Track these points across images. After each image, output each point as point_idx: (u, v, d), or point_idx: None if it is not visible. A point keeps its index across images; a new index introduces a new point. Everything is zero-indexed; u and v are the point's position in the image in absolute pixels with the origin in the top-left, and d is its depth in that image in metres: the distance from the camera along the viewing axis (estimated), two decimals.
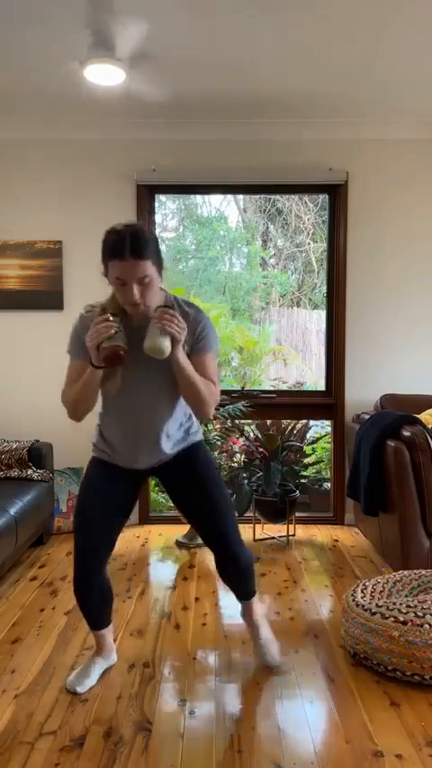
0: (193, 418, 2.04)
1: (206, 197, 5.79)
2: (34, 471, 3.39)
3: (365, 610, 2.12)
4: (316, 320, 5.52)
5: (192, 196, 5.63)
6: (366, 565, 3.16)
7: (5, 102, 3.41)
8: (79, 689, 1.98)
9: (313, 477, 4.26)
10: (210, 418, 1.98)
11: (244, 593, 2.13)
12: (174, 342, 1.71)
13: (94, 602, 2.00)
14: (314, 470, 4.27)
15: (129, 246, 1.67)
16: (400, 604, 2.09)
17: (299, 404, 3.94)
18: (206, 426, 3.50)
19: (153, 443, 1.92)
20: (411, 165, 3.76)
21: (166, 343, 1.69)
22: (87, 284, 3.80)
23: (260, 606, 2.25)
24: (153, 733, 1.77)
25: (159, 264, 1.78)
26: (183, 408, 1.96)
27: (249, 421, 3.79)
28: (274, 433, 3.54)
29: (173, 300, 1.89)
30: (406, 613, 2.03)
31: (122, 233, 1.69)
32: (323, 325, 4.06)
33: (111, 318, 1.71)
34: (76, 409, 1.88)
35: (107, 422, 1.98)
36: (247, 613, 2.17)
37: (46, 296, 3.77)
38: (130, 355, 1.73)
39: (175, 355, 1.73)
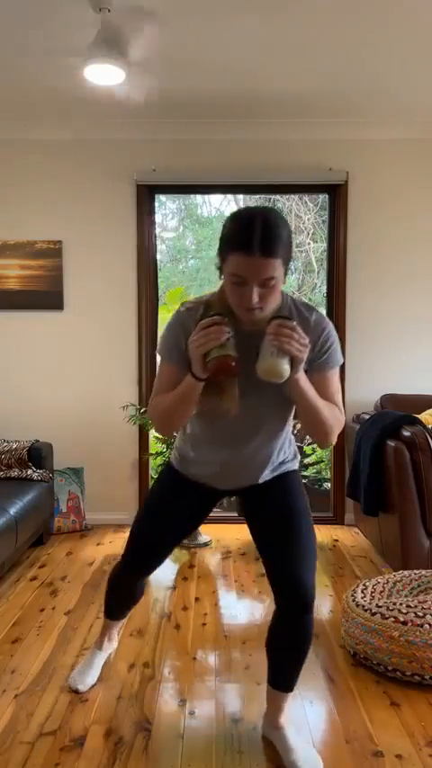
0: (293, 445, 1.76)
1: (206, 197, 5.79)
2: (34, 471, 3.39)
3: (365, 610, 2.12)
4: None
5: (192, 196, 5.62)
6: (366, 565, 3.16)
7: (6, 102, 3.41)
8: (81, 687, 1.97)
9: (313, 477, 4.26)
10: (331, 446, 1.64)
11: (290, 676, 1.66)
12: (294, 362, 1.39)
13: (125, 599, 1.97)
14: (314, 470, 4.27)
15: (258, 240, 1.33)
16: (400, 604, 2.09)
17: None
18: None
19: (250, 468, 1.65)
20: (411, 165, 3.76)
21: (285, 366, 1.37)
22: (87, 284, 3.80)
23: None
24: (153, 733, 1.77)
25: (288, 262, 1.44)
26: (287, 432, 1.69)
27: None
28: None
29: (290, 304, 1.57)
30: (406, 613, 2.03)
31: (253, 220, 1.36)
32: None
33: (218, 320, 1.39)
34: (169, 424, 1.57)
35: (199, 437, 1.67)
36: (275, 712, 1.70)
37: (46, 296, 3.77)
38: (239, 359, 1.40)
39: (295, 378, 1.42)
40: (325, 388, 1.57)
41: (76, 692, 1.97)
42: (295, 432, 2.07)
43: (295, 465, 1.75)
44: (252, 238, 1.33)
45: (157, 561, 1.83)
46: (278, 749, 1.66)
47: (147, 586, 2.80)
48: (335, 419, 1.54)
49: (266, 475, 1.68)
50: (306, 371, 1.49)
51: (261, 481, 1.68)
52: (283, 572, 1.58)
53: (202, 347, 1.37)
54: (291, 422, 1.68)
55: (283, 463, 1.71)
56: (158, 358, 1.64)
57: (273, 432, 1.63)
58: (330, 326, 1.59)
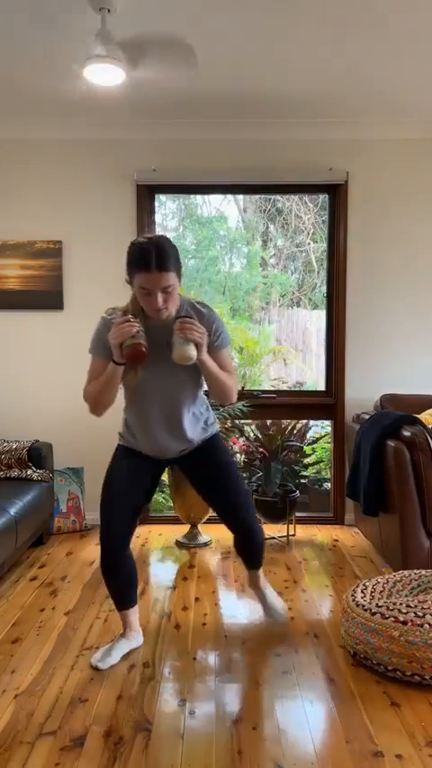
0: (210, 410, 2.23)
1: (206, 197, 5.79)
2: (34, 471, 3.39)
3: (365, 610, 2.12)
4: (316, 320, 5.52)
5: (192, 196, 5.62)
6: (366, 565, 3.16)
7: (5, 102, 3.41)
8: (101, 665, 2.10)
9: (313, 477, 4.26)
10: (233, 402, 2.17)
11: (256, 563, 2.35)
12: (198, 347, 1.89)
13: (121, 580, 2.16)
14: (314, 470, 4.27)
15: (154, 260, 1.83)
16: (400, 604, 2.09)
17: (299, 404, 3.94)
18: None
19: (176, 435, 2.09)
20: (411, 165, 3.76)
21: (192, 351, 1.87)
22: (87, 284, 3.80)
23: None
24: (153, 733, 1.77)
25: (179, 272, 1.94)
26: (200, 401, 2.15)
27: (249, 421, 3.79)
28: (274, 432, 3.54)
29: (186, 304, 2.04)
30: (406, 613, 2.03)
31: (147, 247, 1.85)
32: (323, 325, 4.06)
33: (132, 319, 1.87)
34: (98, 404, 2.01)
35: (131, 416, 2.13)
36: (254, 581, 2.41)
37: (46, 296, 3.77)
38: (150, 353, 1.88)
39: (201, 358, 1.92)
40: (223, 361, 2.05)
41: (96, 669, 2.10)
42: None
43: (215, 428, 2.23)
44: (150, 259, 1.83)
45: (128, 524, 2.12)
46: (260, 602, 2.42)
47: (146, 585, 2.81)
48: (234, 382, 2.08)
49: (192, 439, 2.12)
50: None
51: (190, 445, 2.13)
52: (224, 512, 2.19)
53: (118, 338, 1.85)
54: (201, 394, 2.15)
55: (206, 429, 2.17)
56: (90, 356, 2.07)
57: (185, 401, 2.08)
58: (218, 317, 2.08)
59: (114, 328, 1.86)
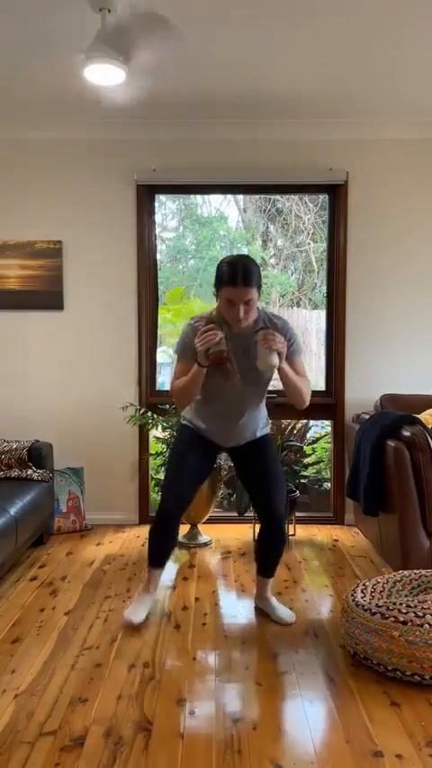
0: (266, 413, 2.55)
1: (206, 197, 5.79)
2: (34, 471, 3.39)
3: (365, 610, 2.12)
4: (316, 320, 5.51)
5: (192, 196, 5.62)
6: (366, 565, 3.16)
7: (5, 102, 3.41)
8: (134, 618, 2.40)
9: (313, 477, 4.26)
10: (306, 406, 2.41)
11: (270, 568, 2.52)
12: (280, 355, 2.14)
13: (165, 541, 2.47)
14: (314, 470, 4.26)
15: (240, 276, 2.13)
16: (400, 604, 2.08)
17: None
18: None
19: (244, 431, 2.43)
20: (411, 165, 3.76)
21: (276, 359, 2.12)
22: (87, 284, 3.80)
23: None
24: (153, 733, 1.77)
25: (260, 288, 2.22)
26: (263, 405, 2.49)
27: None
28: (274, 432, 3.54)
29: (263, 316, 2.33)
30: (406, 613, 2.03)
31: (236, 265, 2.15)
32: (323, 325, 4.06)
33: (213, 327, 2.13)
34: (185, 398, 2.33)
35: (206, 409, 2.43)
36: (262, 591, 2.55)
37: (46, 296, 3.77)
38: (232, 359, 2.20)
39: (282, 365, 2.19)
40: (296, 366, 2.33)
41: (131, 624, 2.38)
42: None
43: (268, 429, 2.55)
44: (237, 276, 2.13)
45: (187, 497, 2.43)
46: (267, 611, 2.51)
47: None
48: (307, 387, 2.33)
49: (251, 436, 2.46)
50: None
51: (249, 440, 2.46)
52: (263, 503, 2.39)
53: (204, 345, 2.14)
54: (265, 400, 2.48)
55: (263, 428, 2.50)
56: (175, 356, 2.40)
57: (254, 406, 2.42)
58: (290, 327, 2.37)
59: (200, 336, 2.13)
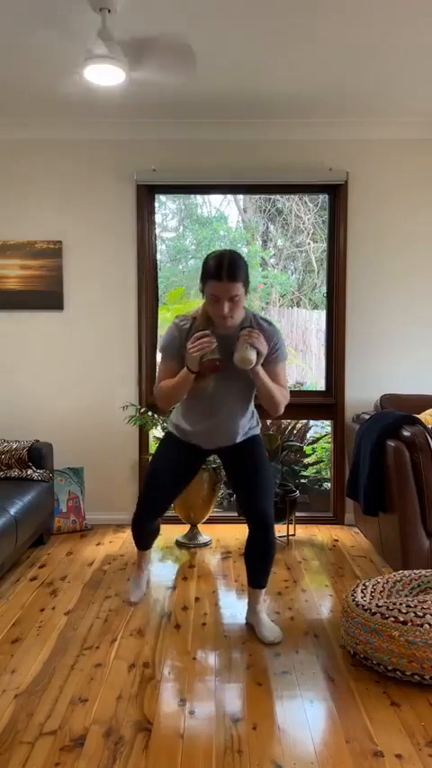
0: (255, 415, 2.45)
1: (206, 197, 5.79)
2: (34, 471, 3.39)
3: (365, 610, 2.12)
4: (316, 320, 5.52)
5: (192, 196, 5.62)
6: (366, 565, 3.16)
7: (5, 102, 3.41)
8: (133, 598, 2.62)
9: (313, 477, 4.26)
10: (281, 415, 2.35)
11: (261, 577, 2.41)
12: (258, 355, 2.09)
13: (147, 536, 2.63)
14: (314, 470, 4.26)
15: (226, 270, 2.05)
16: (400, 604, 2.08)
17: (299, 404, 3.93)
18: None
19: (227, 432, 2.34)
20: (412, 165, 3.76)
21: (253, 356, 2.07)
22: (87, 284, 3.80)
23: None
24: (153, 733, 1.77)
25: (247, 285, 2.15)
26: (251, 407, 2.39)
27: None
28: (274, 433, 3.54)
29: (251, 317, 2.25)
30: (406, 613, 2.03)
31: (222, 258, 2.08)
32: (323, 325, 4.06)
33: (209, 333, 2.08)
34: (169, 401, 2.28)
35: (190, 412, 2.36)
36: (254, 604, 2.44)
37: (46, 296, 3.77)
38: (224, 360, 2.10)
39: (256, 369, 2.12)
40: (276, 375, 2.25)
41: (131, 604, 2.60)
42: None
43: (257, 431, 2.46)
44: (222, 269, 2.06)
45: (164, 504, 2.48)
46: (254, 626, 2.39)
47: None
48: (283, 396, 2.26)
49: (239, 438, 2.36)
50: (263, 365, 2.17)
51: (236, 442, 2.36)
52: (251, 506, 2.32)
53: (199, 352, 2.07)
54: (252, 401, 2.37)
55: (250, 429, 2.40)
56: (159, 355, 2.36)
57: (239, 407, 2.32)
58: (279, 333, 2.29)
59: (194, 342, 2.07)
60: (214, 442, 2.37)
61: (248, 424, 2.40)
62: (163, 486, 2.43)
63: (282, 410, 2.26)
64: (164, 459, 2.43)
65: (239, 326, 2.17)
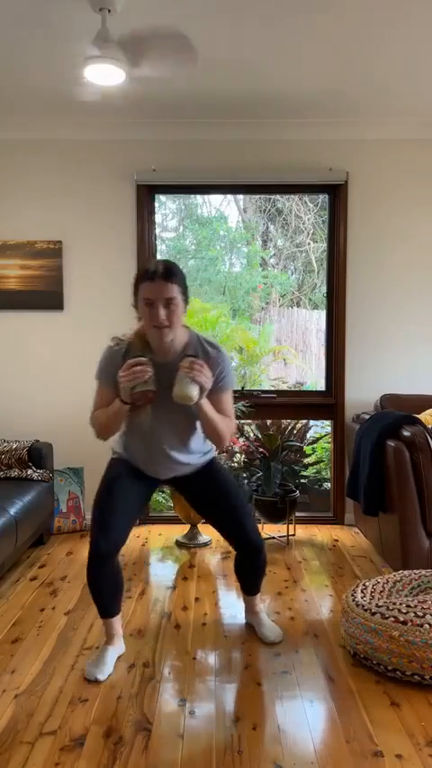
0: (207, 441, 2.20)
1: (206, 197, 5.79)
2: (34, 471, 3.39)
3: (365, 610, 2.12)
4: (316, 320, 5.52)
5: (192, 196, 5.62)
6: (366, 565, 3.16)
7: (5, 102, 3.41)
8: (100, 676, 2.04)
9: (313, 477, 4.26)
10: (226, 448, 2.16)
11: (255, 585, 2.36)
12: (201, 390, 1.89)
13: (107, 588, 2.11)
14: (314, 470, 4.26)
15: (160, 270, 1.90)
16: (400, 604, 2.08)
17: (299, 404, 3.94)
18: None
19: (172, 462, 2.13)
20: (411, 165, 3.76)
21: (195, 392, 1.87)
22: (87, 284, 3.80)
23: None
24: (153, 733, 1.77)
25: (185, 296, 1.97)
26: (198, 436, 2.14)
27: (249, 421, 3.79)
28: (274, 433, 3.54)
29: (196, 341, 2.07)
30: (406, 613, 2.03)
31: (155, 262, 1.95)
32: (323, 326, 4.06)
33: (143, 362, 1.87)
34: (105, 432, 2.08)
35: (131, 441, 2.17)
36: (251, 607, 2.41)
37: (46, 296, 3.77)
38: (157, 391, 1.91)
39: (201, 402, 1.93)
40: (221, 405, 2.06)
41: (96, 681, 2.03)
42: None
43: (212, 454, 2.26)
44: (155, 271, 1.89)
45: (121, 528, 2.08)
46: (254, 626, 2.36)
47: (146, 585, 2.80)
48: (227, 428, 2.06)
49: (187, 466, 2.16)
50: (207, 395, 1.96)
51: (184, 472, 2.17)
52: (235, 531, 2.19)
53: (130, 383, 1.86)
54: (198, 428, 2.11)
55: (204, 456, 2.20)
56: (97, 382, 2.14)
57: (183, 439, 2.11)
58: (226, 360, 2.08)
59: (126, 371, 1.87)
60: (162, 473, 2.18)
61: (199, 453, 2.18)
62: (119, 506, 2.09)
63: (227, 443, 2.10)
64: (114, 479, 2.15)
65: (181, 353, 1.98)
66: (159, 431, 2.07)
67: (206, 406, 1.97)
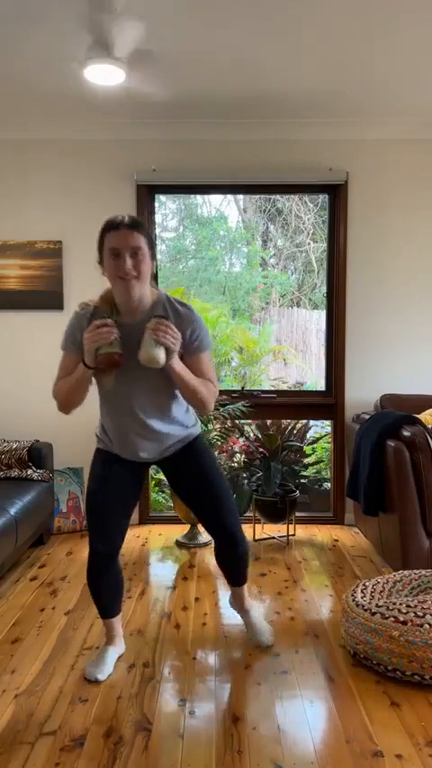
0: (191, 411, 2.10)
1: (206, 197, 5.79)
2: (34, 471, 3.39)
3: (365, 610, 2.12)
4: (316, 320, 5.53)
5: (192, 196, 5.63)
6: (366, 565, 3.16)
7: (5, 102, 3.41)
8: (100, 676, 2.03)
9: (313, 477, 4.26)
10: (210, 413, 2.05)
11: (238, 578, 2.25)
12: (168, 352, 1.78)
13: (107, 588, 2.09)
14: (314, 470, 4.26)
15: (125, 220, 1.83)
16: (400, 604, 2.09)
17: (299, 404, 3.94)
18: (206, 426, 3.50)
19: (150, 439, 1.99)
20: (411, 165, 3.76)
21: (161, 355, 1.76)
22: (87, 284, 3.79)
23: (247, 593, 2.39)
24: (153, 733, 1.77)
25: (152, 248, 1.88)
26: (180, 404, 2.02)
27: (249, 421, 3.79)
28: (274, 433, 3.54)
29: (164, 301, 1.95)
30: (406, 613, 2.03)
31: (120, 215, 1.88)
32: (323, 326, 4.06)
33: (109, 323, 1.77)
34: (67, 404, 1.98)
35: (106, 418, 2.05)
36: (238, 601, 2.32)
37: (46, 296, 3.76)
38: (125, 357, 1.81)
39: (172, 364, 1.81)
40: (199, 366, 1.93)
41: (96, 681, 2.03)
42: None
43: (197, 431, 2.11)
44: (120, 220, 1.83)
45: (115, 528, 2.03)
46: (246, 628, 2.30)
47: (146, 585, 2.81)
48: (209, 392, 1.92)
49: (170, 442, 2.02)
50: (183, 356, 1.88)
51: (168, 448, 2.03)
52: (212, 522, 2.08)
53: (94, 344, 1.76)
54: (178, 395, 1.97)
55: (185, 431, 2.05)
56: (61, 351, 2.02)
57: (160, 403, 1.96)
58: (199, 318, 1.96)
59: (90, 332, 1.77)
60: (139, 452, 2.01)
61: (182, 425, 2.04)
62: (109, 503, 2.02)
63: (211, 407, 1.95)
64: (99, 477, 2.06)
65: (149, 314, 1.86)
66: (131, 398, 1.92)
67: (179, 368, 1.83)
